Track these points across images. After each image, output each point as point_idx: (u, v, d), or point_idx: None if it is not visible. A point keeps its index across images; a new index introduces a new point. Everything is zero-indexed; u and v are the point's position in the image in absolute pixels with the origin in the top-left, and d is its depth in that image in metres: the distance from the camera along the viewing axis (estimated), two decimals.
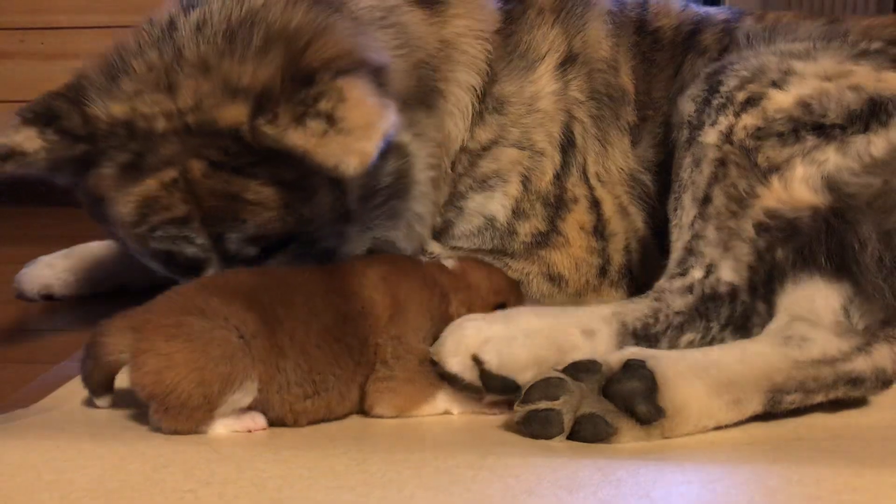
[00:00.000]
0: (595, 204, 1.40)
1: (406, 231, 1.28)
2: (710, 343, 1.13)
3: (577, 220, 1.38)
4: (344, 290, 1.04)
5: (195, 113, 1.10)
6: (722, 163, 1.19)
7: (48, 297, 1.55)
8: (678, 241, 1.19)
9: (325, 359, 0.99)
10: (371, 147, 1.02)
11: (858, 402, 1.08)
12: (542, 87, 1.41)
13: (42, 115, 1.15)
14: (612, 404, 0.97)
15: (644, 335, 1.10)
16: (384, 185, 1.21)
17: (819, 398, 1.06)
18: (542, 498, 0.82)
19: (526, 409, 0.97)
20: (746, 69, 1.25)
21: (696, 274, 1.16)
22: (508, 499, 0.82)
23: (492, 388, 1.01)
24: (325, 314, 1.01)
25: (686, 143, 1.24)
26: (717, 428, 1.01)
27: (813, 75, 1.23)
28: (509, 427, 0.99)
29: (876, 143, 1.17)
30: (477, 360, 1.01)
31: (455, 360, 1.01)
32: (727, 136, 1.20)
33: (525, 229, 1.37)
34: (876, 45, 1.30)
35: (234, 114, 1.08)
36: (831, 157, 1.16)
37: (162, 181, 1.12)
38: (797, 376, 1.05)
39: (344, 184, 1.14)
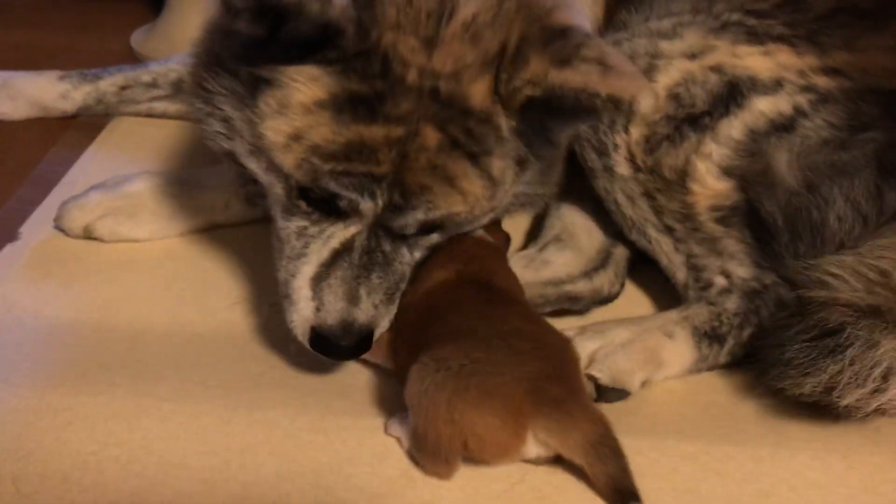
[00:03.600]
0: None
1: None
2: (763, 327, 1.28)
3: None
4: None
5: (451, 82, 1.06)
6: (648, 194, 1.34)
7: None
8: (674, 267, 1.35)
9: None
10: (653, 91, 1.07)
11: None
12: None
13: None
14: None
15: (714, 335, 1.28)
16: None
17: (547, 310, 1.36)
18: (358, 466, 1.09)
19: None
20: None
21: (720, 281, 1.32)
22: (335, 465, 1.09)
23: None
24: None
25: (605, 171, 1.36)
26: None
27: (679, 55, 1.35)
28: (351, 374, 1.23)
29: (736, 126, 1.32)
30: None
31: None
32: (633, 162, 1.34)
33: None
34: (736, 16, 1.39)
35: (482, 90, 1.07)
36: (713, 149, 1.32)
37: (388, 135, 1.05)
38: (526, 294, 1.31)
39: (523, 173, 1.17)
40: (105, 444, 1.12)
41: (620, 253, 1.44)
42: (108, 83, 1.80)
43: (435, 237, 1.20)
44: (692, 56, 1.36)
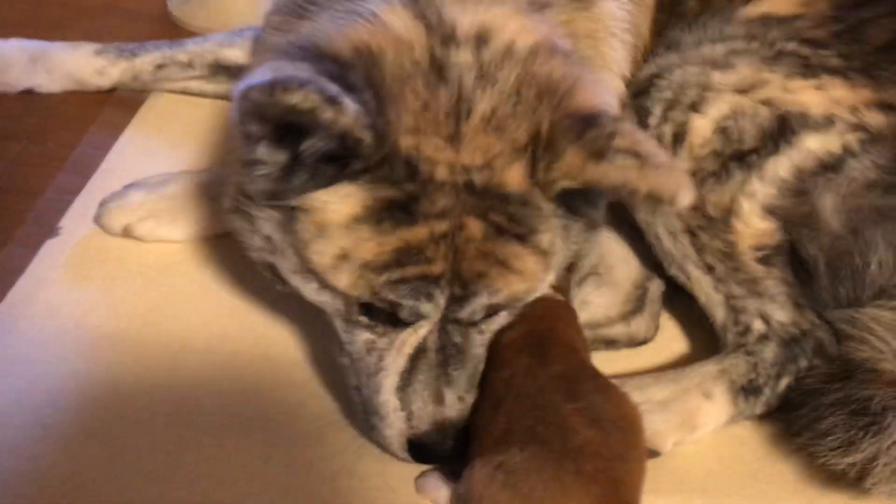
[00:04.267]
0: None
1: None
2: (804, 376, 1.28)
3: None
4: None
5: (484, 173, 1.06)
6: (691, 231, 1.33)
7: None
8: (713, 306, 1.34)
9: None
10: (692, 187, 1.05)
11: None
12: None
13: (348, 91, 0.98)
14: None
15: (751, 388, 1.29)
16: None
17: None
18: None
19: None
20: (670, 87, 1.33)
21: (759, 325, 1.31)
22: None
23: None
24: None
25: (647, 205, 1.34)
26: None
27: (730, 88, 1.32)
28: None
29: (783, 164, 1.31)
30: None
31: None
32: None
33: None
34: (791, 45, 1.36)
35: (517, 175, 1.07)
36: (758, 188, 1.31)
37: (432, 232, 1.05)
38: None
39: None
40: (150, 479, 1.16)
41: (655, 290, 1.44)
42: (145, 61, 1.78)
43: (504, 315, 1.20)
44: (744, 90, 1.34)
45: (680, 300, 1.44)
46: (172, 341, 1.35)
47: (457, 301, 1.11)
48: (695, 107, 1.34)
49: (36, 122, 1.72)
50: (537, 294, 1.19)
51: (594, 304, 1.41)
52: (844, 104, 1.33)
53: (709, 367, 1.32)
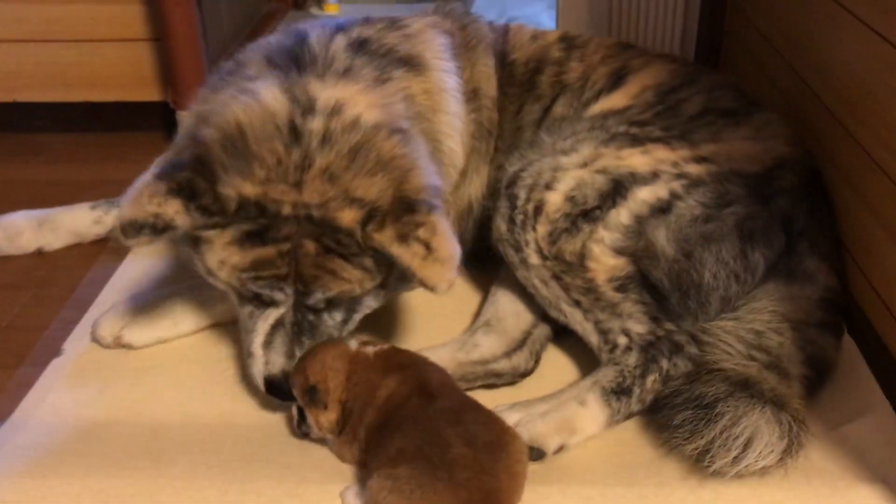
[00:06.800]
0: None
1: None
2: (669, 375, 1.57)
3: None
4: None
5: (320, 210, 1.47)
6: (556, 276, 1.66)
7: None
8: (587, 334, 1.66)
9: None
10: (454, 276, 1.46)
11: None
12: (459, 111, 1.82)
13: (185, 190, 1.45)
14: None
15: (620, 390, 1.57)
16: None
17: (478, 384, 1.67)
18: None
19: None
20: (530, 175, 1.69)
21: (622, 340, 1.62)
22: None
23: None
24: None
25: (522, 263, 1.69)
26: None
27: (574, 166, 1.69)
28: (320, 451, 1.55)
29: (623, 214, 1.64)
30: None
31: None
32: (541, 253, 1.67)
33: None
34: (622, 128, 1.73)
35: (351, 217, 1.47)
36: (605, 235, 1.64)
37: (279, 250, 1.49)
38: (459, 371, 1.64)
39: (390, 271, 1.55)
40: None
41: (539, 333, 1.74)
42: None
43: (367, 305, 1.61)
44: (584, 165, 1.69)
45: (568, 341, 1.74)
46: (153, 421, 1.65)
47: (302, 294, 1.54)
48: (548, 186, 1.69)
49: (43, 274, 2.10)
50: (368, 295, 1.57)
51: (484, 346, 1.71)
52: (667, 161, 1.68)
53: (583, 382, 1.60)
